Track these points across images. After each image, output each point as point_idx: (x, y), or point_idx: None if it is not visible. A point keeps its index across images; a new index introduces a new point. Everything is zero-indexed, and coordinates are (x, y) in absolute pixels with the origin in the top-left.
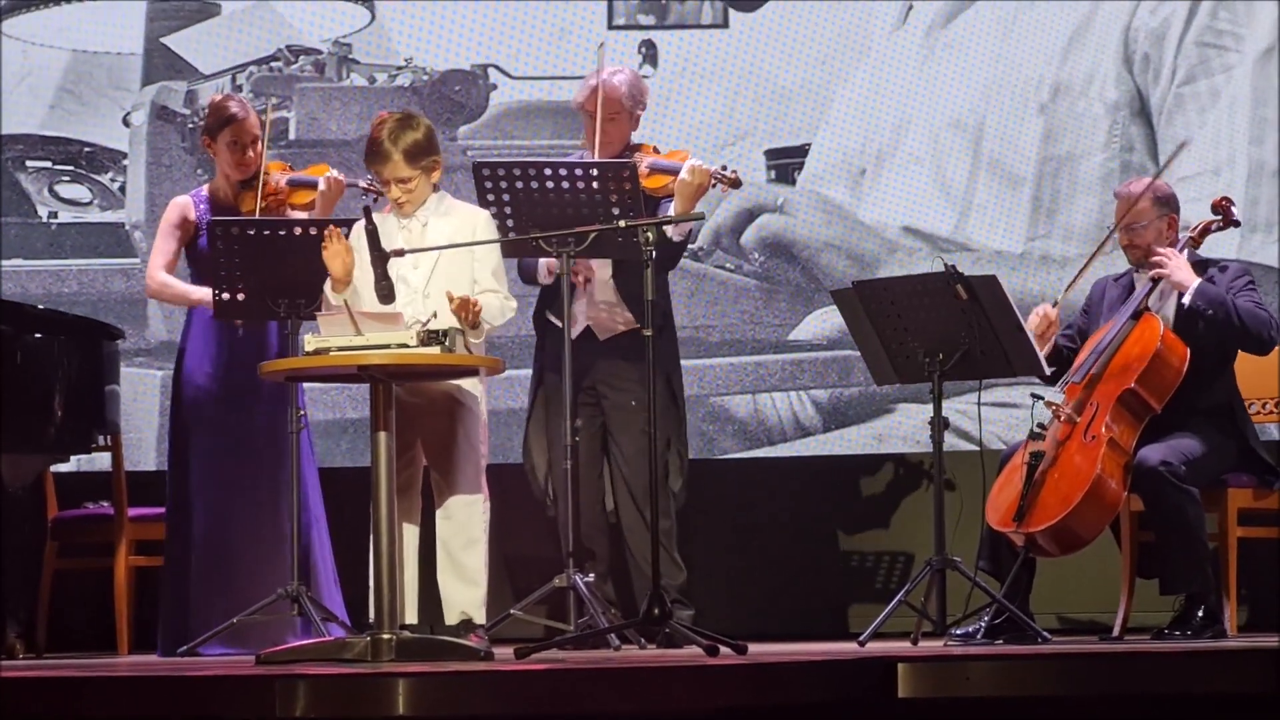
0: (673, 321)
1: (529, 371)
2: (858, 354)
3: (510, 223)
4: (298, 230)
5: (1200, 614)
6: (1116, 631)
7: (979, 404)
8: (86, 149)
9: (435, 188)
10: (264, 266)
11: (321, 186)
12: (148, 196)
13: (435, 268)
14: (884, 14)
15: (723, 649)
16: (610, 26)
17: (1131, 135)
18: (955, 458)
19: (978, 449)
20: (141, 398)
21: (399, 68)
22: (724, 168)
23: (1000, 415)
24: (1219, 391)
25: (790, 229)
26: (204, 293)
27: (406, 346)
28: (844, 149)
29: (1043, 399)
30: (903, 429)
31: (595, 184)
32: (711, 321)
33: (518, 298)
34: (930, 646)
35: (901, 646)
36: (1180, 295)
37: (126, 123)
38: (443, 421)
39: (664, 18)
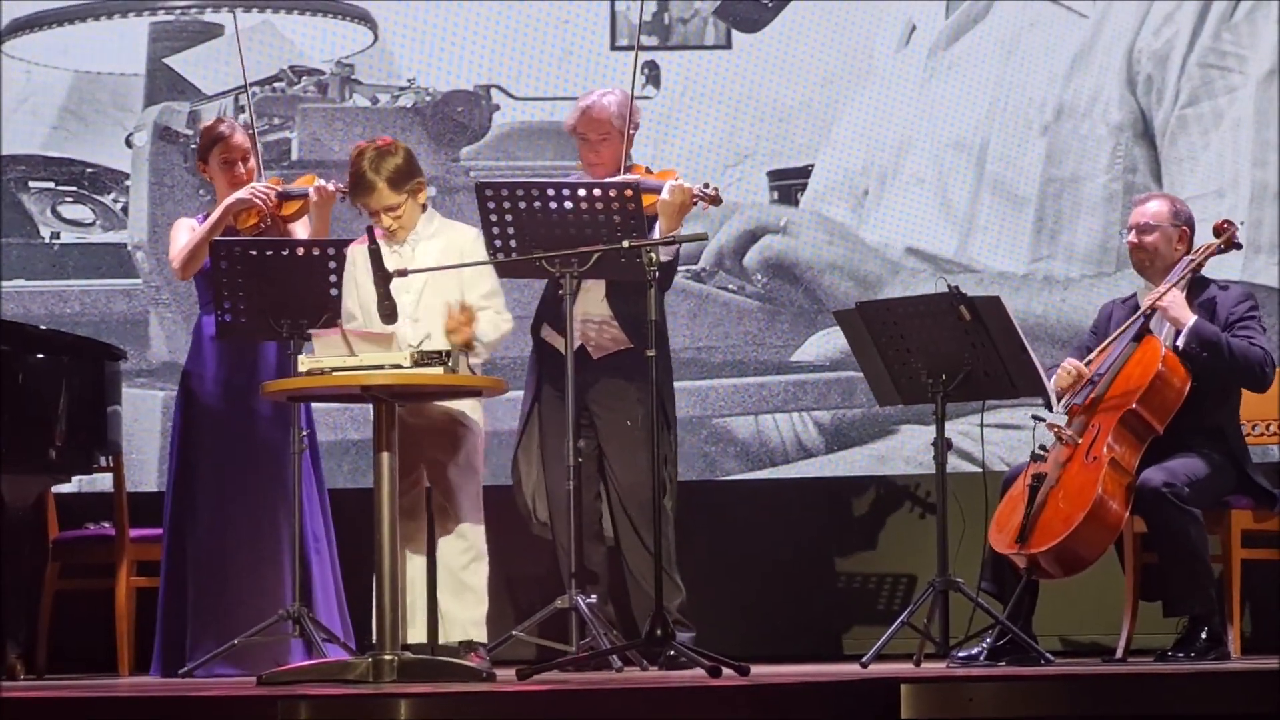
0: (667, 340)
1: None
2: (860, 375)
3: (513, 243)
4: (300, 250)
5: (1204, 636)
6: (1120, 653)
7: (982, 425)
8: (89, 170)
9: (424, 208)
10: (266, 286)
11: (313, 197)
12: (150, 217)
13: (424, 290)
14: (887, 35)
15: (725, 670)
16: (613, 48)
17: (1135, 157)
18: (958, 479)
19: (980, 470)
20: (143, 418)
21: (402, 88)
22: (705, 185)
23: (1003, 437)
24: (1222, 414)
25: (793, 250)
26: (214, 215)
27: (400, 367)
28: (847, 170)
29: (1044, 420)
30: (905, 450)
31: (598, 204)
32: (714, 342)
33: (521, 320)
34: (933, 668)
35: (904, 668)
36: (1176, 334)
37: (129, 143)
38: (445, 443)
39: (667, 39)
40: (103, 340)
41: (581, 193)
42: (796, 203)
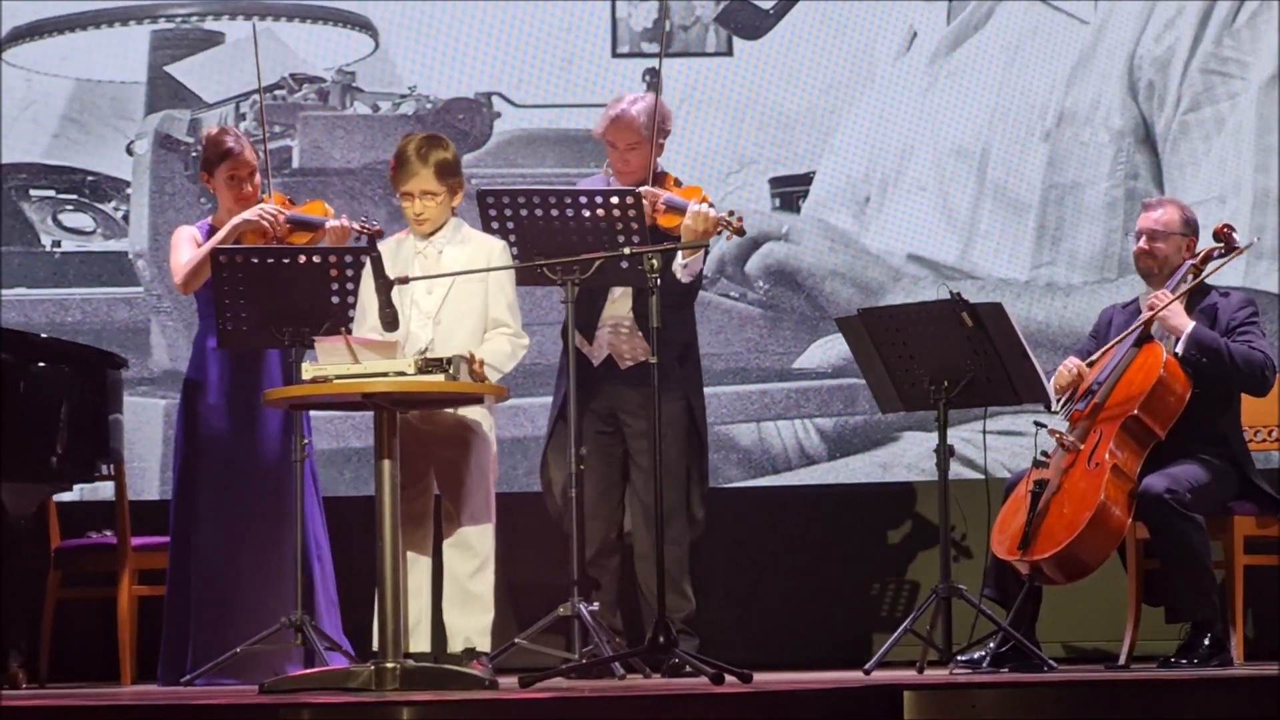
0: (697, 351)
1: (534, 400)
2: (862, 382)
3: (515, 251)
4: (301, 259)
5: (1206, 642)
6: (1123, 659)
7: (984, 432)
8: (90, 178)
9: (453, 213)
10: (267, 295)
11: (326, 238)
12: (151, 225)
13: (448, 294)
14: (888, 42)
15: (728, 678)
16: (614, 55)
17: (1136, 163)
18: (960, 486)
19: (983, 477)
20: (145, 427)
21: (403, 96)
22: (730, 213)
23: (1005, 443)
24: (1224, 419)
25: (795, 257)
26: (219, 235)
27: (403, 375)
28: (848, 177)
29: (1046, 427)
30: (908, 457)
31: (600, 211)
32: (716, 349)
33: (528, 327)
34: (936, 675)
35: (907, 675)
36: (1176, 341)
37: (130, 151)
38: (455, 450)
39: (668, 45)
40: (104, 348)
41: (583, 200)
42: (798, 209)
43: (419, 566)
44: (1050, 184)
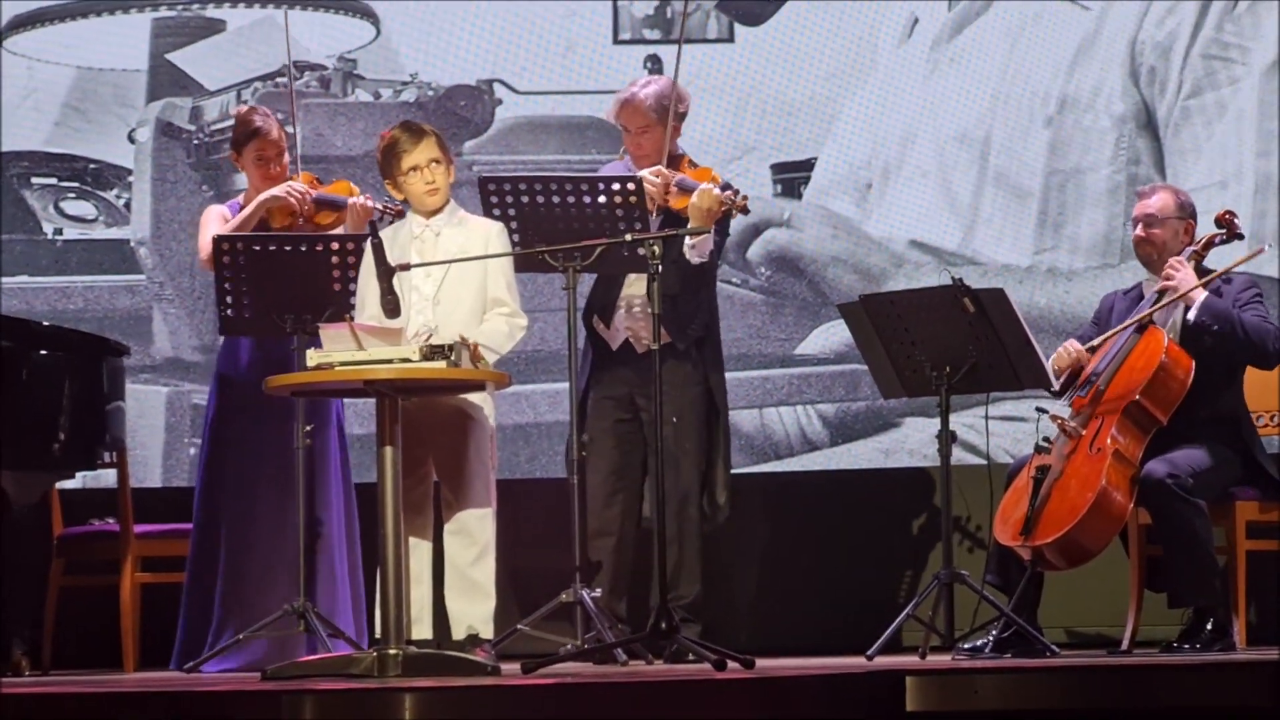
0: (717, 334)
1: (537, 387)
2: (864, 368)
3: (516, 237)
4: (303, 245)
5: (1209, 627)
6: (1125, 645)
7: (986, 418)
8: (92, 165)
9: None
10: (269, 282)
11: (349, 220)
12: (153, 213)
13: (446, 277)
14: (890, 28)
15: (730, 663)
16: (616, 41)
17: (1138, 148)
18: (962, 472)
19: (985, 463)
20: (147, 414)
21: (404, 83)
22: (735, 193)
23: (1007, 429)
24: (1225, 404)
25: (797, 243)
26: (246, 211)
27: (409, 361)
28: (850, 163)
29: (1048, 413)
30: (910, 443)
31: (601, 198)
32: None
33: (528, 314)
34: (938, 660)
35: (910, 660)
36: (1186, 309)
37: (132, 139)
38: (454, 436)
39: (670, 32)
40: (106, 336)
41: (585, 187)
42: (800, 196)
43: (420, 553)
44: (1052, 170)
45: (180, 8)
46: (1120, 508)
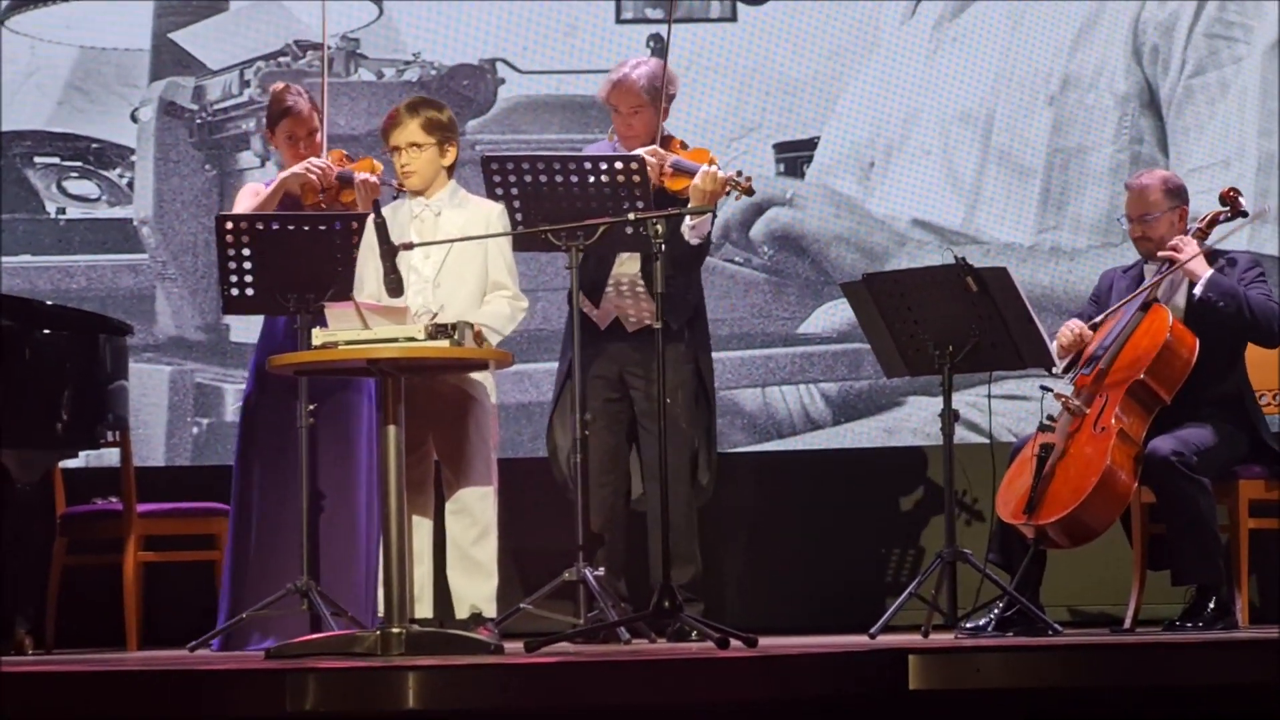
0: (705, 315)
1: (539, 366)
2: (867, 347)
3: (519, 216)
4: (306, 225)
5: (1211, 605)
6: (1127, 623)
7: (989, 396)
8: (94, 145)
9: (449, 175)
10: (272, 261)
11: (359, 191)
12: (156, 192)
13: (446, 258)
14: (893, 7)
15: (733, 642)
16: (618, 20)
17: (1141, 127)
18: (965, 450)
19: (988, 442)
20: (150, 393)
21: (407, 62)
22: (738, 174)
23: (1010, 408)
24: (1230, 382)
25: (799, 222)
26: (268, 190)
27: (414, 340)
28: (853, 142)
29: (1052, 391)
30: (913, 422)
31: (604, 177)
32: (721, 315)
33: (529, 293)
34: (941, 639)
35: (912, 639)
36: (1191, 285)
37: (134, 118)
38: (454, 415)
39: (672, 11)
40: (109, 315)
41: (588, 166)
42: (803, 175)
43: (422, 532)
44: (1055, 149)
45: None
46: (1125, 487)
